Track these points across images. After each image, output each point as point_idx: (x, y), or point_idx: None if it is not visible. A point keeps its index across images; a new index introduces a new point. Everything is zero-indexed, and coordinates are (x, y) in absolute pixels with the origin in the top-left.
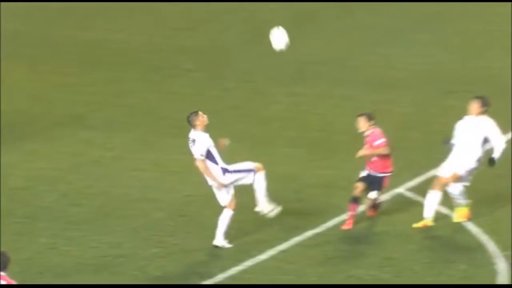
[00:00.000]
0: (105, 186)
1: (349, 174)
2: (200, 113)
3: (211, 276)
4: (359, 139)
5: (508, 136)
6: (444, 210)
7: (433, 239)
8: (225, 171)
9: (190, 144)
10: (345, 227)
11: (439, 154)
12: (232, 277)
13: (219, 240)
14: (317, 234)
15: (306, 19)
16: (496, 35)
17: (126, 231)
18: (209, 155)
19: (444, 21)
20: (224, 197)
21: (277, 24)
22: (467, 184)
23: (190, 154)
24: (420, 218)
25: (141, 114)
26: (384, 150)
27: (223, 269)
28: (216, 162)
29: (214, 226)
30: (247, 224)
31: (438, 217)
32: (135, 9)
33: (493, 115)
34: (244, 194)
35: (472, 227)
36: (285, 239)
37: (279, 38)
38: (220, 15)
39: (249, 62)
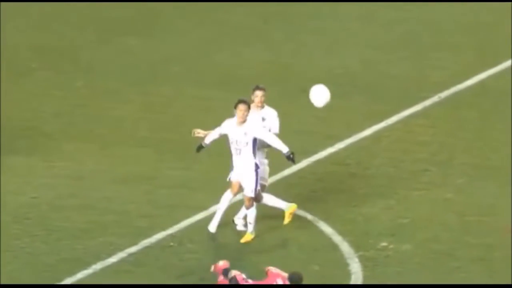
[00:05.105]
0: None
1: (200, 176)
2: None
3: (58, 280)
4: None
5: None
6: (299, 212)
7: (286, 240)
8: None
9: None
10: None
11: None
12: (81, 281)
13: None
14: (169, 236)
15: (156, 18)
16: (346, 34)
17: None
18: (254, 142)
19: (295, 19)
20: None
21: (127, 23)
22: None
23: (35, 155)
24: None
25: None
26: None
27: (71, 273)
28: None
29: (60, 229)
30: (95, 225)
31: (293, 218)
32: None
33: (346, 114)
34: (88, 196)
35: (326, 228)
36: (135, 241)
37: (321, 95)
38: (68, 13)
39: (99, 61)
